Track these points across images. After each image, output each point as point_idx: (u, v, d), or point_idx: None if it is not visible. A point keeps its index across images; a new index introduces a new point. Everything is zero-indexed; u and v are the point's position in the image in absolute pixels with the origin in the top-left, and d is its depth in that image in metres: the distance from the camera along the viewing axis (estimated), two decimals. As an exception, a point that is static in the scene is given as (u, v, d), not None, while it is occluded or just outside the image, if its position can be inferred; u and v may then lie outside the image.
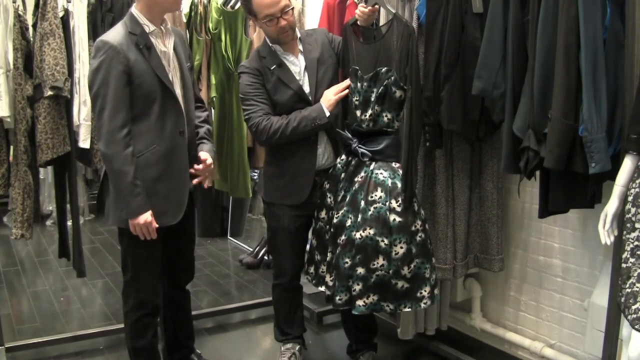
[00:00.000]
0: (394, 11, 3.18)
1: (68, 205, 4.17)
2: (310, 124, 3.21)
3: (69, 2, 4.00)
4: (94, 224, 7.38)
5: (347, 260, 3.05)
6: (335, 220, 3.17)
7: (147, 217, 2.93)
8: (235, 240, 6.68)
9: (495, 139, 3.56)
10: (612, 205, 2.62)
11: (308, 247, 3.45)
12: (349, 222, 3.09)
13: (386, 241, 3.02)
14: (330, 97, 3.23)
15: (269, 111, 3.28)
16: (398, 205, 3.05)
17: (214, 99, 4.37)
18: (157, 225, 2.97)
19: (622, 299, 2.40)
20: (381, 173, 3.12)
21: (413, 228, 3.09)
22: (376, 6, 3.24)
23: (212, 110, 4.46)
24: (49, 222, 7.32)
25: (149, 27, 2.98)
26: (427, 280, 3.16)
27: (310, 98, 3.31)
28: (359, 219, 3.06)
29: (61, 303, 5.05)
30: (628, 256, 2.42)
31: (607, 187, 2.85)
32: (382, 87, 3.09)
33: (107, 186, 3.11)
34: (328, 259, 3.23)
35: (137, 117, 2.94)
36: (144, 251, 3.10)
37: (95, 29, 3.93)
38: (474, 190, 3.70)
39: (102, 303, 5.04)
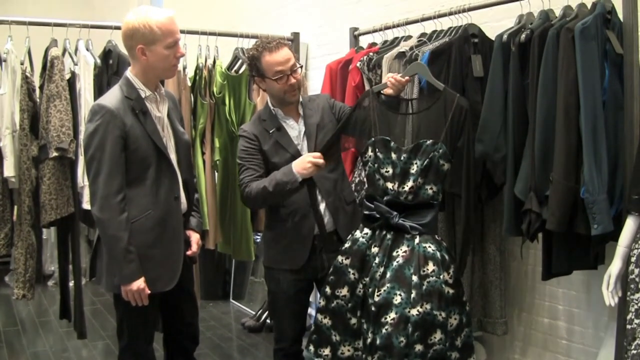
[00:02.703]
0: (442, 85, 3.10)
1: (70, 266, 4.16)
2: (284, 188, 3.14)
3: (76, 64, 4.08)
4: (95, 285, 7.31)
5: (402, 339, 2.87)
6: (377, 299, 2.95)
7: (140, 283, 2.88)
8: (238, 303, 6.63)
9: (497, 201, 3.56)
10: (615, 266, 2.61)
11: (313, 326, 3.30)
12: (398, 300, 2.90)
13: (443, 314, 2.89)
14: (305, 159, 3.13)
15: (259, 175, 3.27)
16: (450, 277, 2.96)
17: (218, 162, 4.40)
18: (149, 292, 2.93)
19: (628, 361, 2.38)
20: (429, 246, 2.98)
21: (464, 298, 3.03)
22: (412, 77, 3.21)
23: (216, 173, 4.48)
24: (50, 283, 7.28)
25: (144, 91, 2.98)
26: (473, 347, 3.09)
27: None
28: (412, 295, 2.89)
29: (61, 365, 4.99)
30: (633, 317, 2.40)
31: (610, 248, 2.85)
32: (427, 160, 2.97)
33: (100, 250, 3.07)
34: (369, 340, 3.07)
35: (132, 182, 2.92)
36: (141, 317, 3.04)
37: (101, 92, 3.94)
38: (476, 253, 3.69)
39: (102, 366, 4.98)
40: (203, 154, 4.37)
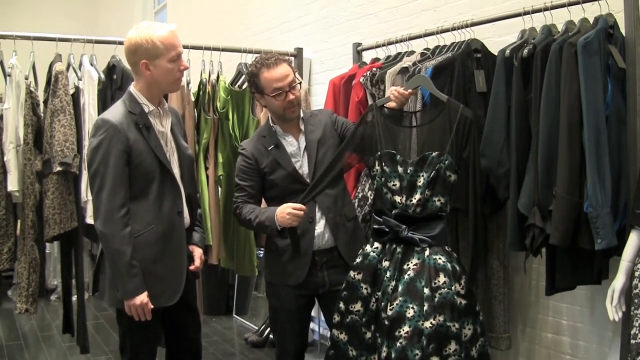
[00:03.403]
0: (446, 97, 3.12)
1: (74, 281, 4.16)
2: (265, 230, 3.28)
3: (80, 80, 4.10)
4: (98, 300, 7.32)
5: (417, 352, 2.86)
6: (390, 313, 2.95)
7: (143, 298, 2.87)
8: (241, 319, 6.62)
9: (500, 217, 3.56)
10: (619, 281, 2.61)
11: (330, 342, 3.28)
12: (411, 313, 2.91)
13: (457, 325, 2.90)
14: (285, 210, 3.14)
15: (249, 199, 3.30)
16: (462, 289, 2.96)
17: (221, 177, 4.39)
18: (152, 307, 2.92)
19: (632, 377, 2.37)
20: (440, 258, 2.99)
21: (477, 308, 3.03)
22: (415, 90, 3.22)
23: (219, 189, 4.48)
24: (53, 297, 7.28)
25: (148, 107, 2.99)
26: (489, 357, 3.09)
27: (308, 180, 3.30)
28: (425, 308, 2.90)
29: (63, 381, 4.98)
30: (637, 332, 2.39)
31: (614, 263, 2.84)
32: (433, 172, 2.99)
33: (103, 265, 3.07)
34: (385, 355, 3.05)
35: (136, 197, 2.92)
36: (143, 333, 3.04)
37: (105, 107, 3.94)
38: (480, 269, 3.68)
39: (104, 381, 4.97)
40: (207, 169, 4.38)
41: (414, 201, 3.02)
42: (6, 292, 7.36)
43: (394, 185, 3.07)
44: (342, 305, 3.17)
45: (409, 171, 3.03)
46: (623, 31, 2.94)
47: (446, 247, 3.05)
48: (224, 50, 4.64)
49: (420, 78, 3.23)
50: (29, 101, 3.91)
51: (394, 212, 3.08)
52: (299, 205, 3.13)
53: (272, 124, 3.35)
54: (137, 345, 3.08)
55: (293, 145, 3.33)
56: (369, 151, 3.18)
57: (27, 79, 3.97)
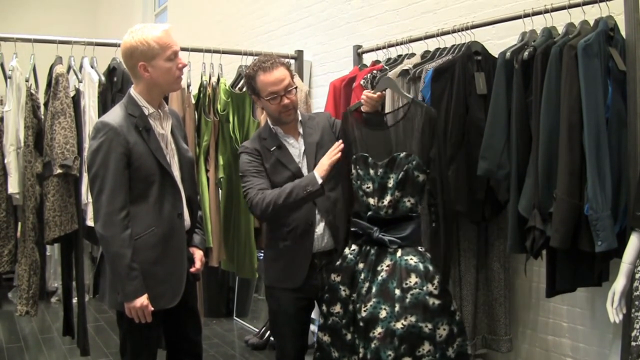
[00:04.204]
0: (411, 96, 3.15)
1: (74, 283, 4.16)
2: (302, 191, 3.11)
3: (80, 82, 4.10)
4: (99, 302, 7.32)
5: (389, 352, 2.89)
6: (364, 314, 2.99)
7: (143, 300, 2.87)
8: (241, 321, 6.61)
9: (501, 219, 3.56)
10: (619, 283, 2.61)
11: (316, 344, 3.31)
12: (383, 314, 2.94)
13: (430, 326, 2.91)
14: (323, 162, 3.16)
15: (266, 187, 3.25)
16: (435, 288, 2.96)
17: (222, 179, 4.39)
18: (152, 309, 2.92)
19: (633, 379, 2.37)
20: (411, 258, 3.01)
21: (452, 308, 3.02)
22: (384, 92, 3.23)
23: (220, 191, 4.48)
24: (54, 299, 7.27)
25: (148, 109, 2.99)
26: (469, 356, 3.09)
27: None
28: (396, 309, 2.92)
29: (63, 383, 4.98)
30: (637, 334, 2.39)
31: (614, 265, 2.84)
32: (402, 173, 3.01)
33: (103, 267, 3.07)
34: (361, 355, 3.07)
35: (136, 200, 2.92)
36: (144, 335, 3.03)
37: (105, 109, 3.95)
38: (481, 271, 3.68)
39: (104, 383, 4.96)
40: (207, 171, 4.38)
41: (385, 202, 3.06)
42: (6, 294, 7.36)
43: (367, 188, 3.11)
44: (324, 307, 3.21)
45: (379, 173, 3.07)
46: (623, 33, 2.94)
47: (419, 248, 3.07)
48: (224, 52, 4.65)
49: (386, 80, 3.27)
50: (29, 103, 3.91)
51: (368, 213, 3.12)
52: (333, 150, 3.16)
53: (271, 126, 3.35)
54: (138, 348, 3.08)
55: (295, 146, 3.33)
56: (348, 155, 3.22)
57: (27, 81, 3.97)
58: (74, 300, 4.20)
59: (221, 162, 4.40)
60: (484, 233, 3.67)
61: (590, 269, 2.95)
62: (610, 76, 2.87)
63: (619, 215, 2.83)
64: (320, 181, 3.10)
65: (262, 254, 5.00)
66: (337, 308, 3.17)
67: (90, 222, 3.96)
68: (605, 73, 2.85)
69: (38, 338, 6.06)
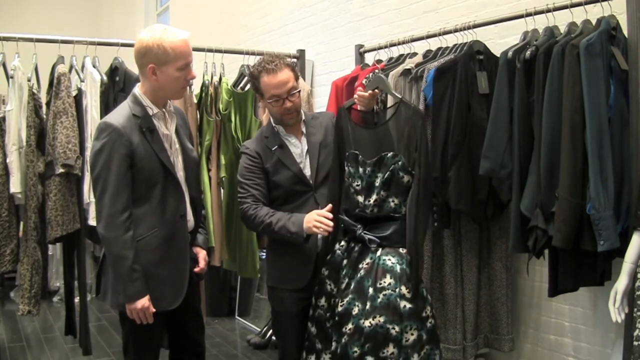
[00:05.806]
0: (399, 96, 3.16)
1: (76, 282, 4.16)
2: (287, 233, 3.14)
3: (82, 81, 4.10)
4: (101, 302, 7.32)
5: (355, 349, 2.93)
6: (339, 309, 3.05)
7: (144, 302, 2.87)
8: (243, 320, 6.61)
9: (503, 218, 3.56)
10: (621, 283, 2.61)
11: (306, 334, 3.33)
12: (356, 310, 2.98)
13: (397, 328, 2.91)
14: (314, 218, 3.08)
15: (261, 197, 3.26)
16: (408, 292, 2.96)
17: (224, 179, 4.39)
18: (154, 310, 2.92)
19: (635, 379, 2.37)
20: (389, 259, 3.02)
21: (424, 314, 3.01)
22: (376, 91, 3.22)
23: (222, 190, 4.48)
24: (56, 299, 7.28)
25: (152, 109, 2.96)
26: None
27: (310, 181, 3.31)
28: (367, 307, 2.95)
29: (65, 382, 4.98)
30: (639, 334, 2.39)
31: (616, 265, 2.84)
32: (388, 172, 3.03)
33: (105, 267, 3.06)
34: (333, 348, 3.11)
35: (138, 201, 2.91)
36: (146, 335, 3.03)
37: (107, 109, 3.96)
38: (483, 270, 3.68)
39: (107, 383, 4.97)
40: (209, 170, 4.37)
41: (371, 201, 3.07)
42: (8, 293, 7.37)
43: (357, 185, 3.13)
44: (313, 299, 3.26)
45: (367, 171, 3.09)
46: (625, 32, 2.94)
47: (400, 249, 3.06)
48: (226, 51, 4.64)
49: (377, 79, 3.25)
50: (31, 103, 3.91)
51: (355, 211, 3.14)
52: (330, 215, 3.08)
53: (274, 125, 3.34)
54: (140, 347, 3.07)
55: (297, 146, 3.32)
56: (343, 153, 3.23)
57: (29, 80, 3.97)
58: (76, 300, 4.20)
59: (223, 161, 4.39)
60: (486, 232, 3.67)
61: (592, 268, 2.95)
62: (613, 75, 2.86)
63: (621, 215, 2.83)
64: (304, 236, 3.12)
65: (264, 254, 5.00)
66: (323, 301, 3.21)
67: (92, 222, 3.96)
68: (608, 72, 2.85)
69: (40, 337, 6.06)
